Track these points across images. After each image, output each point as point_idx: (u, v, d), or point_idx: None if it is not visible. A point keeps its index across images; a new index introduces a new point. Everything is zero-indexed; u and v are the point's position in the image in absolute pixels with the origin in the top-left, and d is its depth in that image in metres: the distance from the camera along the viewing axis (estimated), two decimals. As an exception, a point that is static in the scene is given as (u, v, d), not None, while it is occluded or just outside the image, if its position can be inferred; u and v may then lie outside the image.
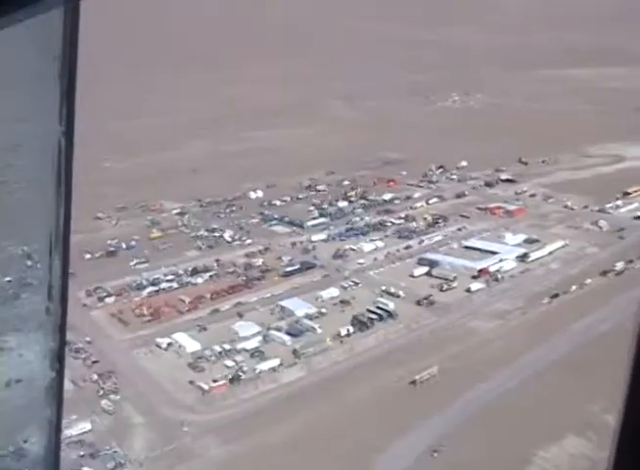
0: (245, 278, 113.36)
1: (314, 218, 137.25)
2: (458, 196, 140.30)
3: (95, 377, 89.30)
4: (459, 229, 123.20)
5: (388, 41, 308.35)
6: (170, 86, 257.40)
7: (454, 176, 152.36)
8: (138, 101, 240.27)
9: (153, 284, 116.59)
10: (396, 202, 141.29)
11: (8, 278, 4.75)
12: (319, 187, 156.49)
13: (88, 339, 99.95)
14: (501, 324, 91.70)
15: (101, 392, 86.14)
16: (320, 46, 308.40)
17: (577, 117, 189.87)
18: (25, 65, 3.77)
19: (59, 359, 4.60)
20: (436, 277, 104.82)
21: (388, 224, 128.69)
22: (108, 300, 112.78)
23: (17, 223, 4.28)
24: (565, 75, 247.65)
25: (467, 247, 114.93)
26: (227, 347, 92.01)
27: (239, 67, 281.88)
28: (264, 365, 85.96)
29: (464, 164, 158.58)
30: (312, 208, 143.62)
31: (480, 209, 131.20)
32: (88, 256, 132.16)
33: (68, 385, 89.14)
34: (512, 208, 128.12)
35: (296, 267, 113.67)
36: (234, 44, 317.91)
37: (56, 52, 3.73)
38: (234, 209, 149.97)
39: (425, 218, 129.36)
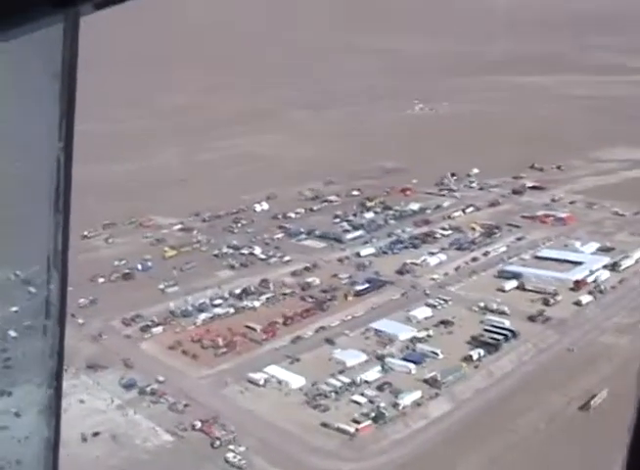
0: (311, 300, 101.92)
1: (346, 231, 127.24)
2: (492, 205, 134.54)
3: (198, 424, 75.55)
4: (518, 239, 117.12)
5: (333, 50, 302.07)
6: (111, 94, 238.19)
7: (473, 185, 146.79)
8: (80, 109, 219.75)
9: (200, 310, 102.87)
10: (428, 212, 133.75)
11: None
12: (329, 198, 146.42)
13: (160, 378, 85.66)
14: (636, 338, 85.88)
15: (216, 442, 72.63)
16: (265, 54, 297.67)
17: (559, 123, 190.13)
18: (25, 81, 3.76)
19: (57, 378, 4.36)
20: (532, 291, 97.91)
21: (438, 236, 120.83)
22: (155, 330, 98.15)
23: (15, 242, 4.23)
24: (521, 82, 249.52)
25: (540, 257, 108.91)
26: (345, 379, 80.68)
27: (184, 75, 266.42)
28: (406, 399, 75.42)
29: (475, 171, 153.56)
30: (337, 220, 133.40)
31: (525, 217, 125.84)
32: (101, 279, 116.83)
33: (165, 436, 75.43)
34: (562, 215, 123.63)
35: (366, 286, 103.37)
36: (179, 53, 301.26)
37: (55, 69, 3.75)
38: (244, 222, 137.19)
39: (473, 229, 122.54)
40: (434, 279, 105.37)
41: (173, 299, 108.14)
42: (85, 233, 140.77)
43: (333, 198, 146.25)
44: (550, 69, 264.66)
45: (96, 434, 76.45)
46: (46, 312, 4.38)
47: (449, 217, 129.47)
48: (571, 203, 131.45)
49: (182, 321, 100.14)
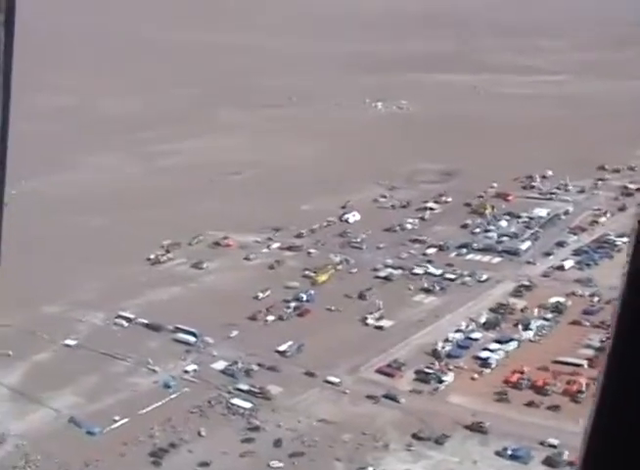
0: (588, 324, 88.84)
1: (500, 242, 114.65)
2: (621, 209, 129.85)
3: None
4: None
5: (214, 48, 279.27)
6: None
7: (569, 188, 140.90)
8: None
9: (462, 347, 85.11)
10: (562, 217, 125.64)
11: None
12: (429, 205, 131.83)
13: (552, 441, 68.31)
14: None
15: None
16: (165, 57, 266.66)
17: (556, 122, 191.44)
18: None
19: None
20: None
21: (618, 243, 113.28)
22: (446, 378, 78.90)
23: None
24: (447, 80, 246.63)
25: None
26: None
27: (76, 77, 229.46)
28: None
29: (550, 173, 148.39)
30: (476, 230, 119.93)
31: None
32: (270, 317, 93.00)
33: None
34: None
35: None
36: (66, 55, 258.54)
37: None
38: (362, 237, 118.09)
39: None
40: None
41: (405, 336, 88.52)
42: (150, 256, 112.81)
43: (431, 205, 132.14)
44: (459, 67, 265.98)
45: None
46: None
47: (597, 223, 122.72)
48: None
49: (460, 363, 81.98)
